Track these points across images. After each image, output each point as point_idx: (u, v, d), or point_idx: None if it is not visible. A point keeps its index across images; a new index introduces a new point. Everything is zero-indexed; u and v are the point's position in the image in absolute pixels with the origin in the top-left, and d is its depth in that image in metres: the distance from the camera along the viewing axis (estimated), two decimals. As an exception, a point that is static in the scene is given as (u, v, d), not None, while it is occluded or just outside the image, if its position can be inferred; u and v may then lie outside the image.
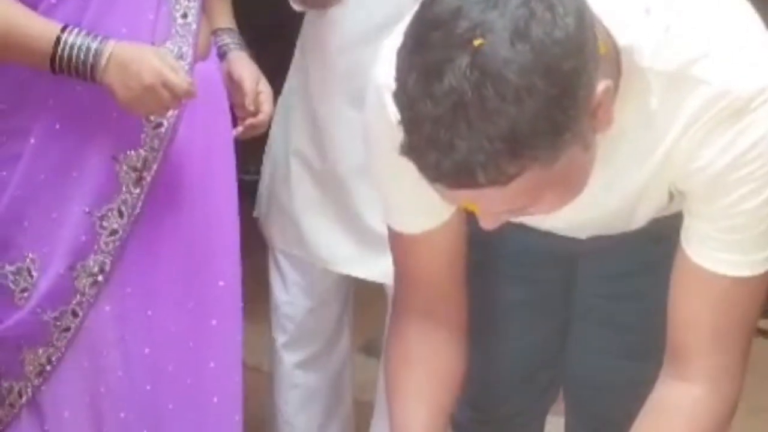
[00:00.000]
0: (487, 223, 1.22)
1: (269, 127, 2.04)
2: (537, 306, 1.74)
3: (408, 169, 1.29)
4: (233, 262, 1.83)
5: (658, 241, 1.52)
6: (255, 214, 2.23)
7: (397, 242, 1.48)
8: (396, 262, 1.51)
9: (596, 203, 1.34)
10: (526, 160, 1.07)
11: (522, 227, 1.52)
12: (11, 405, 1.79)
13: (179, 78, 1.62)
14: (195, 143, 1.76)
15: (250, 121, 1.89)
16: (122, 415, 1.77)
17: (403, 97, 1.10)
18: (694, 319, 1.33)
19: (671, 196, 1.36)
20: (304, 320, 2.22)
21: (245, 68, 1.88)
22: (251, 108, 1.89)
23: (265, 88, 1.90)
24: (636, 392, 1.41)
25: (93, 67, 1.60)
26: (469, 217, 1.67)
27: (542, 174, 1.10)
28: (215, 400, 1.82)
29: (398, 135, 1.19)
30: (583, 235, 1.54)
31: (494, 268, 1.71)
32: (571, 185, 1.18)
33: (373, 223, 1.98)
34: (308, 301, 2.21)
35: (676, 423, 1.34)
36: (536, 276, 1.70)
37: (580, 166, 1.17)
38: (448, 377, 1.52)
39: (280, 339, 2.25)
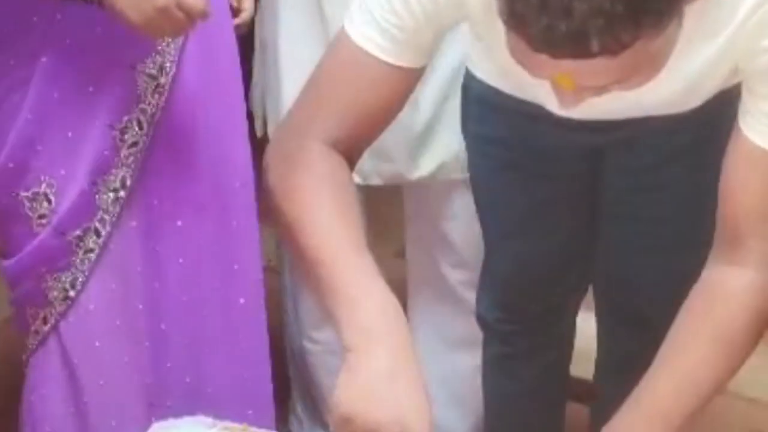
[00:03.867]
0: (570, 102, 1.16)
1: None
2: (563, 203, 1.73)
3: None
4: (246, 159, 1.78)
5: (684, 130, 1.52)
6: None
7: (347, 59, 1.31)
8: (324, 79, 1.34)
9: (659, 87, 1.27)
10: (642, 27, 1.03)
11: (545, 120, 1.48)
12: (36, 332, 1.72)
13: None
14: (201, 44, 1.68)
15: (234, 22, 1.84)
16: (163, 327, 1.74)
17: None
18: (749, 200, 1.29)
19: (730, 75, 1.34)
20: None
21: None
22: (234, 4, 1.85)
23: None
24: (666, 283, 1.41)
25: None
26: (489, 113, 1.67)
27: (647, 46, 1.06)
28: (242, 301, 1.80)
29: None
30: (633, 115, 1.50)
31: (519, 167, 1.70)
32: (661, 61, 1.14)
33: None
34: None
35: (729, 308, 1.31)
36: (562, 172, 1.69)
37: (671, 42, 1.13)
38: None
39: None
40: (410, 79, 1.33)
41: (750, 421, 2.42)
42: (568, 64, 1.05)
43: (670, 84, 1.31)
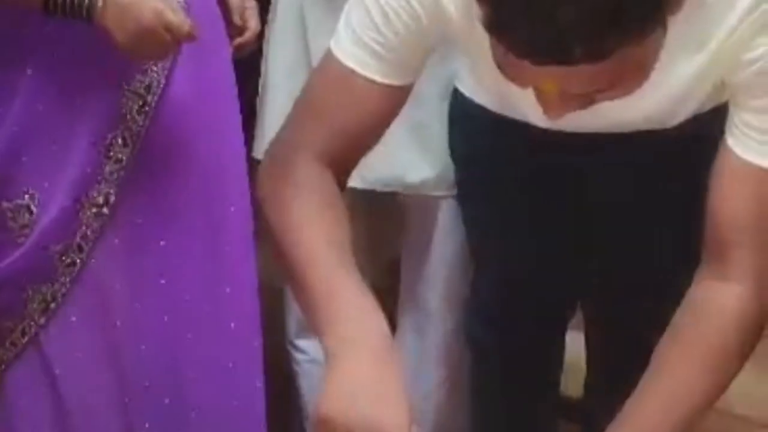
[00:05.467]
0: (555, 112, 1.15)
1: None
2: (551, 221, 1.71)
3: (424, 18, 1.24)
4: (242, 186, 1.74)
5: (675, 148, 1.49)
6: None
7: (335, 77, 1.31)
8: (314, 97, 1.34)
9: (647, 99, 1.27)
10: (626, 34, 1.03)
11: (532, 139, 1.47)
12: (13, 344, 1.70)
13: (180, 19, 1.51)
14: (194, 64, 1.65)
15: (237, 40, 1.82)
16: (142, 347, 1.71)
17: None
18: (736, 215, 1.28)
19: (715, 89, 1.32)
20: None
21: None
22: (238, 23, 1.82)
23: (250, 3, 1.82)
24: (657, 299, 1.38)
25: (90, 9, 1.49)
26: (476, 130, 1.63)
27: (632, 53, 1.05)
28: (233, 325, 1.76)
29: None
30: (622, 130, 1.49)
31: (505, 185, 1.68)
32: (645, 70, 1.13)
33: None
34: None
35: (717, 324, 1.29)
36: (549, 189, 1.67)
37: (655, 50, 1.12)
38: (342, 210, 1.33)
39: None
40: (397, 96, 1.33)
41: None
42: (550, 71, 1.05)
43: (654, 97, 1.30)
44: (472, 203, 1.79)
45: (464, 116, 1.68)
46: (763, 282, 1.29)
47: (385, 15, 1.26)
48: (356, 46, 1.28)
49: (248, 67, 1.88)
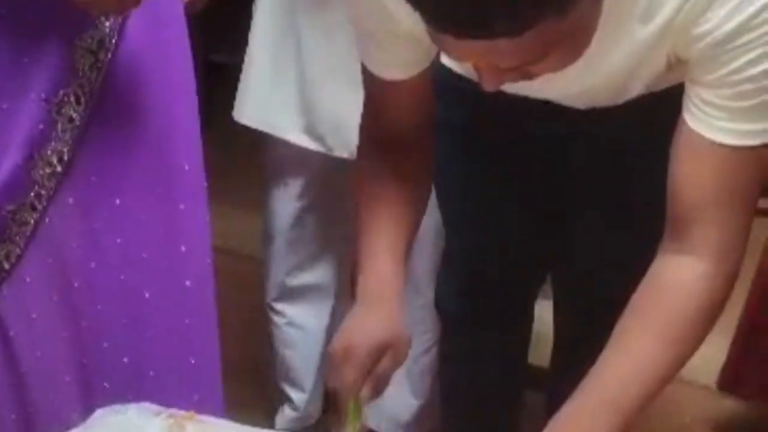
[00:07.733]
0: (490, 84, 1.17)
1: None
2: (524, 190, 1.72)
3: (383, 23, 1.30)
4: (195, 143, 1.72)
5: (651, 118, 1.48)
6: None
7: (369, 79, 1.47)
8: (367, 94, 1.50)
9: (594, 70, 1.30)
10: (543, 8, 1.03)
11: (509, 108, 1.48)
12: (-34, 309, 1.69)
13: None
14: (149, 23, 1.63)
15: None
16: (99, 307, 1.70)
17: None
18: (694, 190, 1.29)
19: (669, 66, 1.31)
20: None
21: None
22: None
23: None
24: (625, 270, 1.38)
25: None
26: (453, 98, 1.65)
27: (555, 26, 1.06)
28: (188, 283, 1.75)
29: None
30: (580, 105, 1.50)
31: (480, 153, 1.68)
32: (578, 42, 1.15)
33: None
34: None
35: (679, 297, 1.31)
36: (523, 159, 1.66)
37: (588, 22, 1.14)
38: (412, 211, 1.55)
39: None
40: (416, 82, 1.45)
41: (701, 409, 2.43)
42: (472, 45, 1.06)
43: (604, 72, 1.32)
44: (445, 171, 1.75)
45: (442, 83, 1.67)
46: (723, 256, 1.31)
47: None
48: (372, 62, 1.44)
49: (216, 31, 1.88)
